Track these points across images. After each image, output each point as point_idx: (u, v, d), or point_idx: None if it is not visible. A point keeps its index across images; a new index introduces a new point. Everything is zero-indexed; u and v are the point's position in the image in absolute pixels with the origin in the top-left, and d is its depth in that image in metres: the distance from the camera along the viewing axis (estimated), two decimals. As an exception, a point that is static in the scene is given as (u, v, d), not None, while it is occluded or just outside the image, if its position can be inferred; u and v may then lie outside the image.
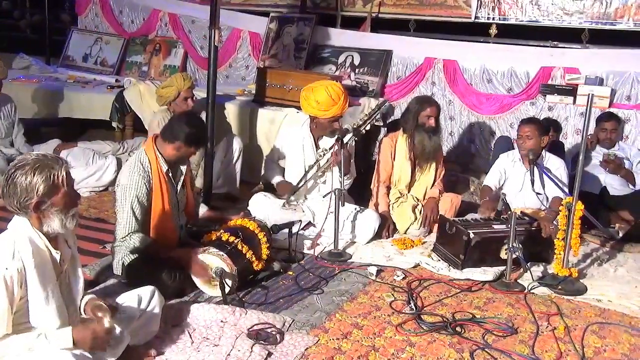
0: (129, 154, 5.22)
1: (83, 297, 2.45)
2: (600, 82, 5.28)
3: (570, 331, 3.09)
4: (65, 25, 8.23)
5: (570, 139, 5.25)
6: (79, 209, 2.32)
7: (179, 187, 3.45)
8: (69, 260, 2.37)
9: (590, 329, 3.13)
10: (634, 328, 3.16)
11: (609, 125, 4.91)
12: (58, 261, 2.27)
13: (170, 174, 3.37)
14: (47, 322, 2.22)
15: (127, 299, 2.66)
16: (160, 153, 3.31)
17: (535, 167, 4.29)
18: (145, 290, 2.72)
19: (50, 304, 2.21)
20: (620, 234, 4.43)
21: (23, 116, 5.85)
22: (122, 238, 3.22)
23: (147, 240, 3.24)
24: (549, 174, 4.13)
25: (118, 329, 2.36)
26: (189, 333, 2.82)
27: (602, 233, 4.33)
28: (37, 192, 2.15)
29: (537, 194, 4.34)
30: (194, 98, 4.79)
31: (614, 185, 4.77)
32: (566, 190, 4.00)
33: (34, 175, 2.14)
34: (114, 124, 5.99)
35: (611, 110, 5.12)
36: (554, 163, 4.34)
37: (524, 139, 4.27)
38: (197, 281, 3.27)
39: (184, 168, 3.46)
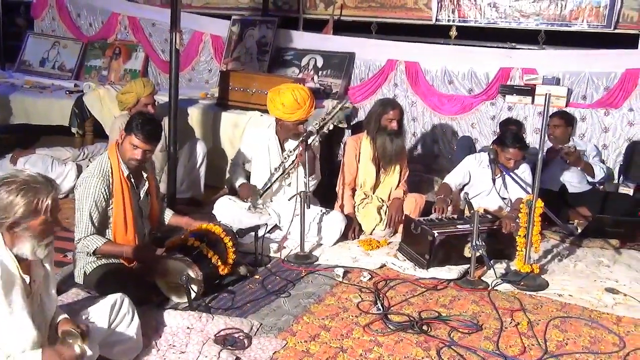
0: (89, 160, 5.11)
1: (57, 314, 2.37)
2: (557, 82, 5.42)
3: (533, 326, 3.16)
4: (20, 30, 7.99)
5: (529, 138, 5.34)
6: (53, 239, 2.23)
7: (141, 194, 3.39)
8: (42, 280, 2.28)
9: (552, 324, 3.20)
10: (593, 321, 3.25)
11: (552, 122, 4.93)
12: (28, 282, 2.19)
13: (133, 180, 3.31)
14: (12, 342, 2.13)
15: (96, 311, 2.57)
16: (122, 159, 3.25)
17: (503, 173, 4.32)
18: (112, 299, 2.64)
19: (14, 322, 2.12)
20: (579, 230, 4.54)
21: (-22, 123, 5.68)
22: (78, 240, 3.17)
23: (104, 241, 3.17)
24: (515, 179, 4.18)
25: (89, 352, 2.27)
26: (154, 341, 2.78)
27: (561, 229, 4.43)
28: (14, 213, 2.08)
29: (503, 198, 4.41)
30: (155, 104, 4.69)
31: (573, 182, 4.88)
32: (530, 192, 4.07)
33: (17, 196, 2.06)
34: (74, 130, 5.85)
35: (565, 109, 5.22)
36: (520, 167, 4.37)
37: (511, 161, 4.22)
38: (163, 288, 3.23)
39: (145, 174, 3.40)
